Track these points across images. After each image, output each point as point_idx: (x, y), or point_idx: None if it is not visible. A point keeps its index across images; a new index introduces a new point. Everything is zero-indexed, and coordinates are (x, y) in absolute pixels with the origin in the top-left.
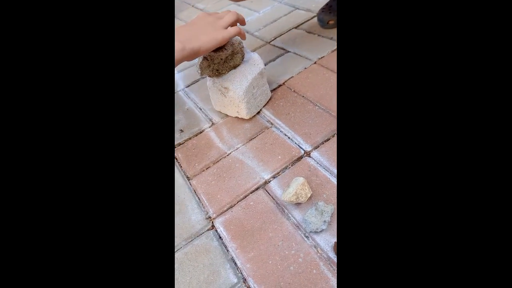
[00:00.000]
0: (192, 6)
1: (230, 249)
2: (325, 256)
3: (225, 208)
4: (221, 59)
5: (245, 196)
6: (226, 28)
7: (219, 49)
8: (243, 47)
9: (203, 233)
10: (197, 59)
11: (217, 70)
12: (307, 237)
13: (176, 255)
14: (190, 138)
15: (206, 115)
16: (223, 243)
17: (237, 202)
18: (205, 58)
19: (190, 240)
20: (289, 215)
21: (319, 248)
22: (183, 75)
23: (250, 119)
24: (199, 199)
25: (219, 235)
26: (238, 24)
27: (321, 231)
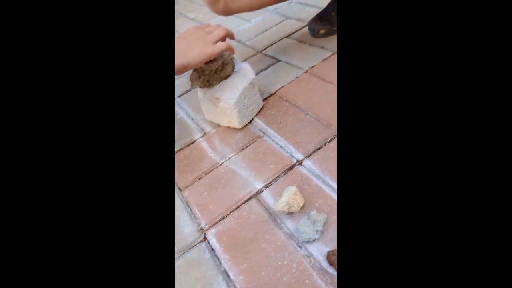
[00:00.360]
0: (184, 15)
1: (222, 261)
2: (318, 265)
3: (217, 219)
4: (211, 71)
5: (238, 207)
6: (216, 42)
7: (209, 61)
8: (233, 58)
9: (195, 245)
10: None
11: (208, 81)
12: (300, 247)
13: None
14: (182, 149)
15: (198, 125)
16: (215, 255)
17: (230, 213)
18: (195, 70)
19: (182, 252)
20: (282, 225)
21: (312, 258)
22: (175, 85)
23: (242, 128)
24: (191, 210)
25: (212, 247)
26: (227, 38)
27: (313, 241)
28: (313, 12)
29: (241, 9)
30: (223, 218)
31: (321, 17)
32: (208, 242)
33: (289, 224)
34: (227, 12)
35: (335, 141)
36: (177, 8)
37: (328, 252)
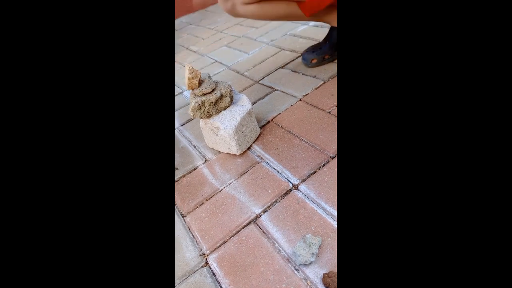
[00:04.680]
0: (187, 48)
1: (223, 286)
2: None
3: (218, 244)
4: (211, 102)
5: (237, 231)
6: None
7: (208, 93)
8: (231, 90)
9: (197, 270)
10: (190, 102)
11: (208, 112)
12: (297, 270)
13: None
14: (184, 176)
15: (199, 152)
16: (216, 279)
17: (230, 238)
18: (196, 102)
19: (185, 278)
20: (279, 248)
21: (308, 281)
22: (178, 114)
23: (241, 154)
24: (193, 235)
25: (213, 272)
26: None
27: (310, 264)
28: (305, 44)
29: (245, 15)
30: (223, 243)
31: (314, 49)
32: (210, 267)
33: (286, 247)
34: (233, 13)
35: (328, 165)
36: (180, 41)
37: (324, 274)
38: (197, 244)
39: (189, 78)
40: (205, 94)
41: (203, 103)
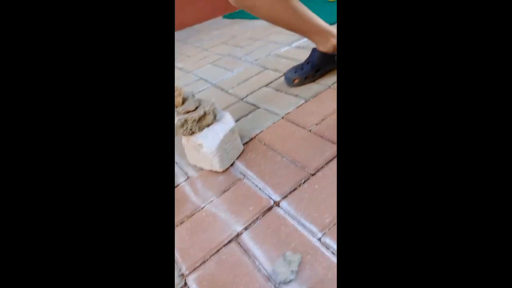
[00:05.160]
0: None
1: None
2: None
3: (197, 264)
4: (194, 120)
5: (218, 250)
6: None
7: (191, 110)
8: (215, 108)
9: None
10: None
11: (191, 129)
12: None
13: None
14: None
15: (181, 169)
16: None
17: (210, 257)
18: (179, 120)
19: None
20: (260, 266)
21: None
22: None
23: (224, 171)
24: None
25: None
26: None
27: (289, 281)
28: (288, 64)
29: (252, 9)
30: (203, 262)
31: (296, 69)
32: None
33: (267, 265)
34: (240, 3)
35: (308, 182)
36: None
37: None
38: (176, 264)
39: None
40: (188, 112)
41: (186, 120)
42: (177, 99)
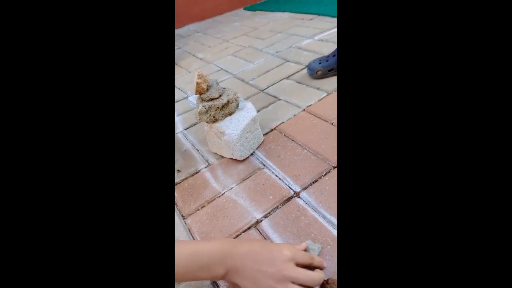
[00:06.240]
0: (193, 55)
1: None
2: None
3: None
4: (217, 108)
5: (238, 235)
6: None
7: (215, 98)
8: (238, 97)
9: None
10: (196, 107)
11: (214, 117)
12: None
13: None
14: (186, 178)
15: (202, 156)
16: (215, 282)
17: None
18: (203, 106)
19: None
20: None
21: None
22: (182, 118)
23: (244, 160)
24: (193, 237)
25: None
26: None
27: None
28: (310, 56)
29: None
30: None
31: (320, 61)
32: None
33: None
34: None
35: (330, 174)
36: (186, 48)
37: (323, 281)
38: None
39: (197, 83)
40: (212, 99)
41: (210, 107)
42: (202, 86)
